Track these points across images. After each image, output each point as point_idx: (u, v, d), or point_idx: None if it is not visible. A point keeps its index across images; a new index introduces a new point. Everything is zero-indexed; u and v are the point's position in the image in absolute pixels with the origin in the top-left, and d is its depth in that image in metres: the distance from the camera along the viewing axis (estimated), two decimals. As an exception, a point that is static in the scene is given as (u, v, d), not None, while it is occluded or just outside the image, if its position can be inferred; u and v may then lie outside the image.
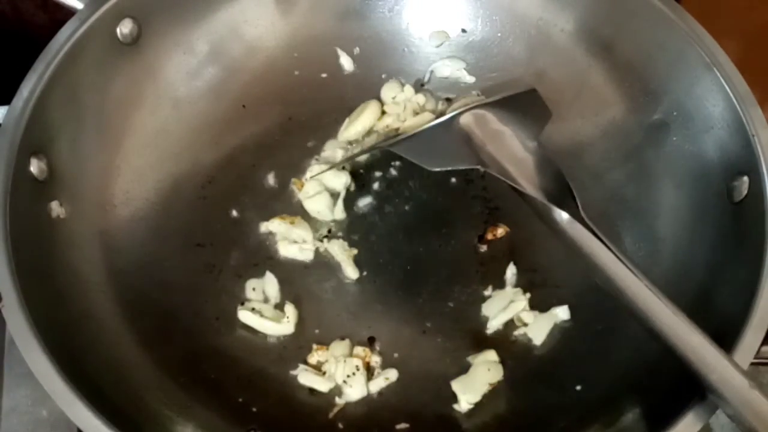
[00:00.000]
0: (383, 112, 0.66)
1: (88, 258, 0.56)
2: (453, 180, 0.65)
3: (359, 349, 0.57)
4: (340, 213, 0.63)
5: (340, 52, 0.68)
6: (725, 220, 0.55)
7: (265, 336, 0.58)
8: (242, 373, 0.56)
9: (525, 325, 0.58)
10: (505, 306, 0.59)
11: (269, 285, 0.59)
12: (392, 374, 0.56)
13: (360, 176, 0.64)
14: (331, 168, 0.63)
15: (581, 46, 0.65)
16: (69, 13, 0.57)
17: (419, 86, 0.68)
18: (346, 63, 0.68)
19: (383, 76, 0.68)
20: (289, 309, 0.58)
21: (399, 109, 0.66)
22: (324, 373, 0.56)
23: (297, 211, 0.63)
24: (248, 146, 0.65)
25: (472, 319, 0.59)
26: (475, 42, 0.68)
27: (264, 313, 0.58)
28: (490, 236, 0.62)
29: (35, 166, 0.53)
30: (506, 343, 0.58)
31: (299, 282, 0.60)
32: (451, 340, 0.58)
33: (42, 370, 0.45)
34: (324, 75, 0.68)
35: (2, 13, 0.74)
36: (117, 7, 0.58)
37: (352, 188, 0.64)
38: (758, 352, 0.47)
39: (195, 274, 0.59)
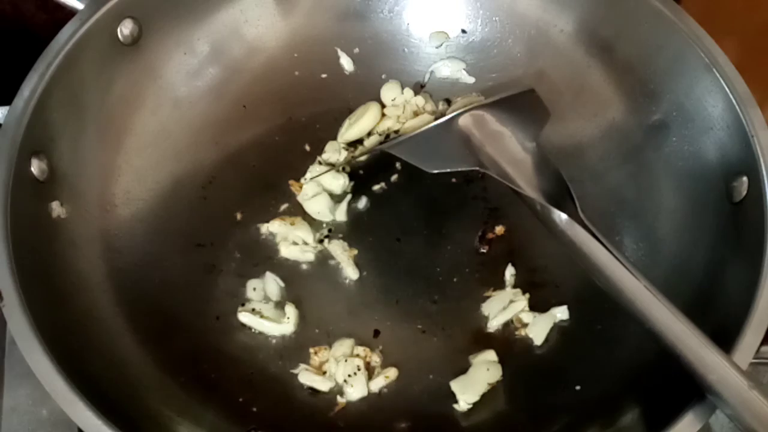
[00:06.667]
0: (383, 115, 0.66)
1: (88, 258, 0.56)
2: (453, 180, 0.65)
3: (360, 349, 0.57)
4: (341, 215, 0.63)
5: (340, 52, 0.68)
6: (724, 220, 0.55)
7: (265, 336, 0.58)
8: (242, 373, 0.56)
9: (524, 325, 0.59)
10: (504, 306, 0.59)
11: (270, 285, 0.59)
12: (392, 373, 0.56)
13: (360, 177, 0.64)
14: (330, 169, 0.63)
15: (581, 46, 0.65)
16: (70, 13, 0.57)
17: (419, 87, 0.68)
18: (346, 63, 0.68)
19: (383, 76, 0.68)
20: (290, 309, 0.58)
21: (398, 111, 0.66)
22: (324, 373, 0.56)
23: (297, 212, 0.63)
24: (249, 146, 0.65)
25: (471, 319, 0.59)
26: (475, 43, 0.68)
27: (264, 314, 0.58)
28: (489, 236, 0.62)
29: (36, 166, 0.53)
30: (506, 343, 0.58)
31: (300, 282, 0.60)
32: (451, 340, 0.58)
33: (42, 369, 0.45)
34: (324, 75, 0.68)
35: (3, 13, 0.74)
36: (118, 8, 0.58)
37: (352, 189, 0.64)
38: (757, 351, 0.47)
39: (195, 274, 0.59)
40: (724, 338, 0.47)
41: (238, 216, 0.62)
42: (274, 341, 0.58)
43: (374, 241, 0.62)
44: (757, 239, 0.51)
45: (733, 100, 0.55)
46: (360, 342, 0.58)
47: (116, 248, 0.58)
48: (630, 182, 0.63)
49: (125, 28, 0.59)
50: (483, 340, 0.58)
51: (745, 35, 0.71)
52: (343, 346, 0.57)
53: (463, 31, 0.68)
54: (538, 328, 0.58)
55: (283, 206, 0.63)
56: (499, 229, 0.62)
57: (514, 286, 0.60)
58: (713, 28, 0.58)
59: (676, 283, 0.56)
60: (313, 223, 0.62)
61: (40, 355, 0.46)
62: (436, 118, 0.63)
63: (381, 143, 0.65)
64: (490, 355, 0.57)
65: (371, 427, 0.55)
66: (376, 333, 0.58)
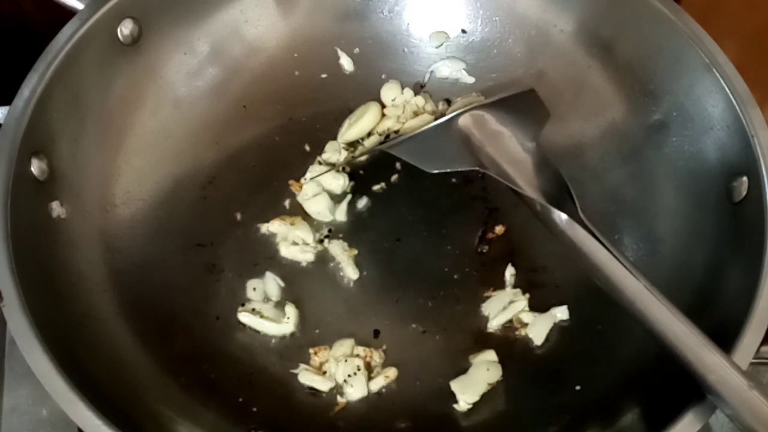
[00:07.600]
0: (383, 115, 0.66)
1: (88, 258, 0.56)
2: (453, 180, 0.65)
3: (360, 349, 0.57)
4: (341, 215, 0.63)
5: (340, 52, 0.68)
6: (724, 220, 0.55)
7: (265, 336, 0.58)
8: (242, 373, 0.56)
9: (524, 325, 0.59)
10: (504, 306, 0.59)
11: (270, 285, 0.60)
12: (392, 373, 0.56)
13: (360, 177, 0.65)
14: (330, 169, 0.63)
15: (581, 46, 0.65)
16: (70, 13, 0.57)
17: (419, 87, 0.68)
18: (346, 63, 0.68)
19: (383, 76, 0.68)
20: (290, 309, 0.58)
21: (398, 111, 0.66)
22: (324, 373, 0.56)
23: (297, 212, 0.63)
24: (249, 146, 0.65)
25: (472, 319, 0.59)
26: (475, 43, 0.68)
27: (264, 314, 0.58)
28: (489, 236, 0.62)
29: (36, 166, 0.53)
30: (506, 343, 0.58)
31: (300, 282, 0.60)
32: (451, 340, 0.58)
33: (42, 369, 0.45)
34: (324, 75, 0.68)
35: (3, 13, 0.74)
36: (118, 8, 0.58)
37: (352, 189, 0.64)
38: (757, 351, 0.47)
39: (195, 274, 0.59)
40: (724, 338, 0.47)
41: (238, 216, 0.62)
42: (274, 341, 0.58)
43: (374, 241, 0.62)
44: (757, 239, 0.51)
45: (733, 100, 0.55)
46: (360, 342, 0.58)
47: (116, 248, 0.58)
48: (630, 182, 0.63)
49: (125, 28, 0.59)
50: (483, 340, 0.58)
51: (745, 35, 0.71)
52: (343, 346, 0.57)
53: (463, 31, 0.68)
54: (538, 328, 0.58)
55: (283, 206, 0.63)
56: (499, 229, 0.62)
57: (514, 286, 0.60)
58: (713, 28, 0.58)
59: (676, 283, 0.56)
60: (313, 223, 0.62)
61: (40, 355, 0.45)
62: (436, 118, 0.63)
63: (381, 143, 0.65)
64: (490, 355, 0.57)
65: (371, 427, 0.55)
66: (376, 333, 0.58)
